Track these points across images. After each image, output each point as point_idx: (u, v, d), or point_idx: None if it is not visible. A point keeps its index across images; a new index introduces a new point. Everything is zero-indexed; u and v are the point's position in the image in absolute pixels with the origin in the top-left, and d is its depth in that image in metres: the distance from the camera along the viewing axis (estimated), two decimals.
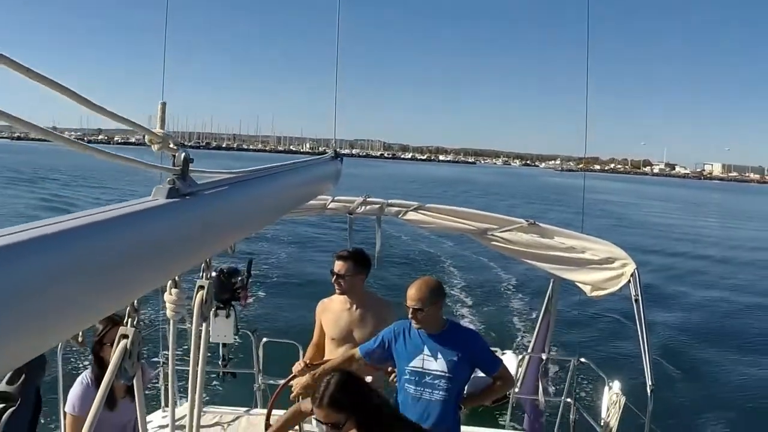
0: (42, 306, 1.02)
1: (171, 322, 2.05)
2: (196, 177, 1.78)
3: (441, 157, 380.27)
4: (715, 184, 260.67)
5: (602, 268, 5.29)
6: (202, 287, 2.15)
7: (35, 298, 0.99)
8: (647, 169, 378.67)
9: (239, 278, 6.32)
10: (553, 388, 8.01)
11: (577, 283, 5.41)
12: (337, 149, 5.04)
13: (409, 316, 4.71)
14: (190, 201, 1.70)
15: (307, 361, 5.54)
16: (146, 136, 1.60)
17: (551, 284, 6.73)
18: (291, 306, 17.11)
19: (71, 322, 1.18)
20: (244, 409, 6.81)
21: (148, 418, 6.33)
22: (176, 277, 1.93)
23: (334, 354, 5.58)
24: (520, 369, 7.18)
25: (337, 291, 5.64)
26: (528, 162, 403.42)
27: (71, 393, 4.62)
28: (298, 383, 5.16)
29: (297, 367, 5.52)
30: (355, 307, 5.64)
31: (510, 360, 13.89)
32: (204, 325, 2.20)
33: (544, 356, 6.96)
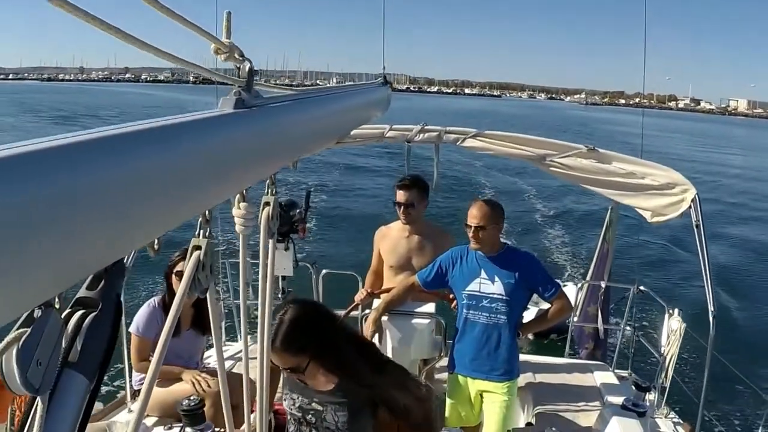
0: (119, 209, 1.01)
1: (242, 237, 2.06)
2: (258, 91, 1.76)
3: (467, 91, 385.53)
4: (740, 120, 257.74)
5: (662, 194, 5.20)
6: (267, 203, 2.14)
7: (112, 200, 0.98)
8: (672, 104, 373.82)
9: (297, 211, 6.32)
10: (613, 317, 7.96)
11: (637, 209, 5.32)
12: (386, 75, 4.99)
13: (470, 235, 4.72)
14: (257, 113, 1.68)
15: (369, 290, 5.59)
16: (212, 45, 1.58)
17: (609, 211, 6.66)
18: (347, 237, 17.25)
19: (146, 228, 1.18)
20: None
21: (209, 352, 6.45)
22: (244, 191, 1.94)
23: (392, 282, 5.60)
24: (579, 298, 7.15)
25: (402, 220, 5.63)
26: (553, 95, 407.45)
27: (138, 314, 4.75)
28: (369, 323, 5.20)
29: (359, 296, 5.57)
30: (414, 234, 5.65)
31: (569, 291, 13.92)
32: (271, 242, 2.20)
33: (603, 284, 6.93)
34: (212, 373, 4.89)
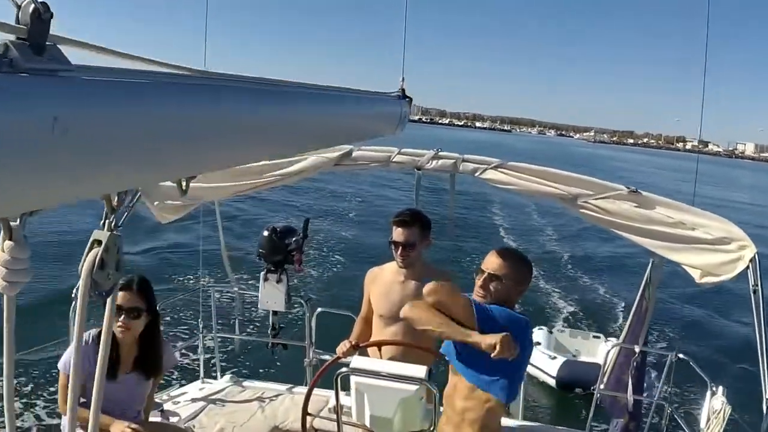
0: None
1: (6, 299, 1.27)
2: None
3: (478, 124, 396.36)
4: (747, 163, 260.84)
5: (716, 250, 4.34)
6: (98, 242, 1.46)
7: None
8: (680, 144, 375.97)
9: (294, 239, 5.76)
10: (646, 386, 7.05)
11: (684, 266, 4.46)
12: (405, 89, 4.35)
13: (477, 283, 3.82)
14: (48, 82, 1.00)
15: (353, 341, 4.77)
16: None
17: (650, 265, 5.76)
18: (346, 273, 16.36)
19: None
20: (288, 386, 6.09)
21: (184, 389, 5.74)
22: (12, 222, 1.21)
23: (382, 333, 4.82)
24: (609, 360, 6.27)
25: (399, 262, 4.82)
26: (563, 132, 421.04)
27: (68, 349, 3.97)
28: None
29: (342, 348, 4.74)
30: (410, 279, 4.82)
31: (599, 348, 13.04)
32: (108, 308, 1.62)
33: (637, 348, 6.01)
34: (152, 425, 4.10)
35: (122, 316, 3.88)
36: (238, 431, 5.17)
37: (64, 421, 4.05)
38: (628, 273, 18.21)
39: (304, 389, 5.94)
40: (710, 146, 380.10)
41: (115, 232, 1.45)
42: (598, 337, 13.69)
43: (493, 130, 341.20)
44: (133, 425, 3.86)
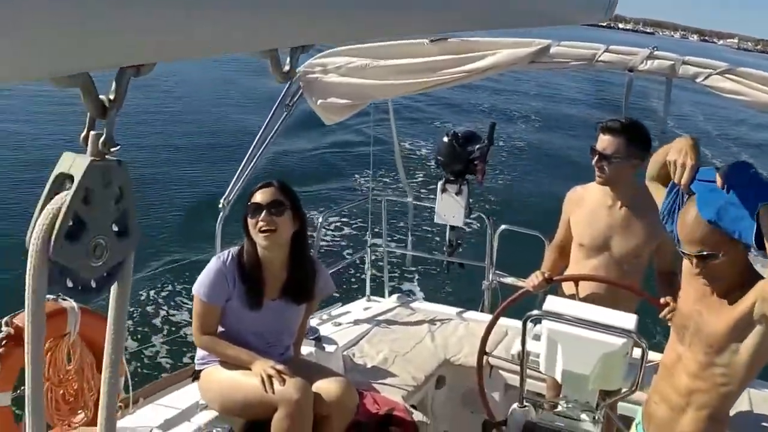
0: None
1: None
2: None
3: (620, 26, 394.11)
4: None
5: None
6: (69, 178, 0.86)
7: None
8: None
9: (477, 146, 5.18)
10: None
11: None
12: None
13: (693, 264, 2.92)
14: None
15: (546, 273, 4.03)
16: None
17: None
18: (537, 186, 15.21)
19: None
20: (462, 310, 5.45)
21: (347, 307, 5.27)
22: None
23: (581, 266, 4.05)
24: None
25: (597, 178, 3.99)
26: (706, 38, 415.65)
27: (204, 271, 3.44)
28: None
29: (532, 281, 4.02)
30: (619, 204, 3.99)
31: None
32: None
33: None
34: (302, 366, 3.54)
35: (263, 213, 3.31)
36: (402, 363, 4.61)
37: (199, 353, 3.58)
38: None
39: (479, 315, 5.37)
40: None
41: (110, 155, 0.86)
42: None
43: (635, 32, 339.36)
44: (278, 366, 3.28)
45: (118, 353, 0.99)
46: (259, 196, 3.34)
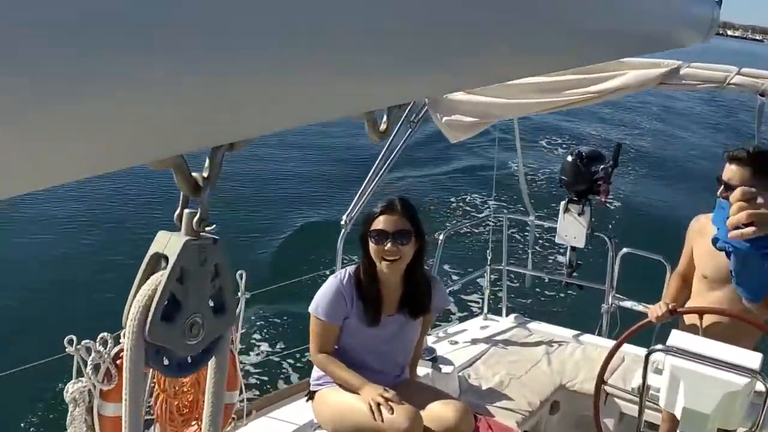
0: None
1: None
2: None
3: (729, 32, 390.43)
4: None
5: None
6: (165, 258, 0.88)
7: None
8: None
9: (601, 166, 5.10)
10: None
11: None
12: None
13: None
14: None
15: (670, 305, 3.91)
16: None
17: None
18: (662, 208, 14.68)
19: None
20: (579, 333, 5.35)
21: (464, 325, 5.27)
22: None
23: (703, 298, 3.90)
24: None
25: None
26: None
27: (321, 290, 3.45)
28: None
29: (655, 312, 3.91)
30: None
31: None
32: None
33: None
34: (417, 389, 3.52)
35: (388, 243, 3.32)
36: (517, 386, 4.54)
37: (315, 374, 3.62)
38: None
39: (597, 339, 5.26)
40: None
41: (205, 232, 0.85)
42: None
43: (744, 39, 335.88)
44: (387, 392, 3.24)
45: (215, 418, 1.01)
46: (384, 222, 3.32)
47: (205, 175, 0.81)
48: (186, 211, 0.84)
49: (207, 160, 0.81)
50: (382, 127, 0.99)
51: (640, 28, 2.02)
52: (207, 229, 0.85)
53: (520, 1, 0.94)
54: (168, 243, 0.83)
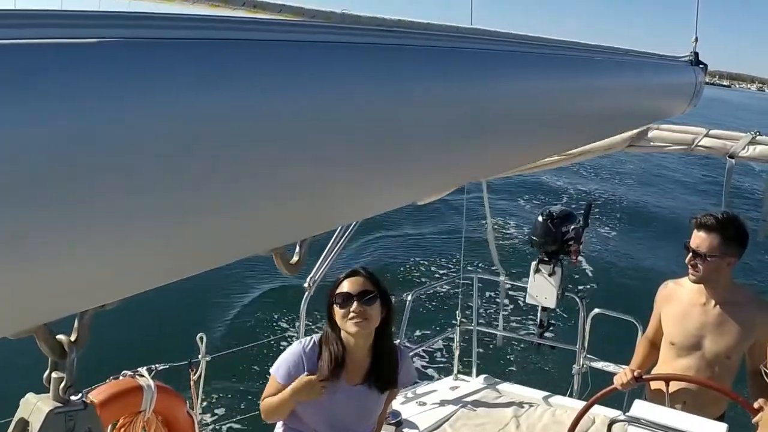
0: None
1: None
2: None
3: None
4: None
5: None
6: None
7: None
8: None
9: (572, 226, 5.09)
10: None
11: None
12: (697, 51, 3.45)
13: None
14: None
15: (635, 371, 3.88)
16: None
17: None
18: (635, 267, 14.70)
19: None
20: (549, 395, 5.32)
21: (434, 385, 5.22)
22: None
23: (670, 365, 3.92)
24: None
25: (690, 276, 3.85)
26: None
27: (283, 353, 3.42)
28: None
29: (621, 378, 3.88)
30: (713, 303, 3.84)
31: None
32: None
33: None
34: None
35: (354, 303, 3.27)
36: None
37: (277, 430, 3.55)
38: None
39: (567, 401, 5.23)
40: None
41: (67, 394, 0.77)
42: None
43: (712, 85, 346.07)
44: (312, 376, 3.25)
45: None
46: (348, 285, 3.29)
47: (73, 338, 0.74)
48: (54, 375, 0.77)
49: (75, 322, 0.74)
50: (294, 259, 0.96)
51: (632, 106, 2.08)
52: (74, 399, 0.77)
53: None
54: (33, 410, 0.76)
